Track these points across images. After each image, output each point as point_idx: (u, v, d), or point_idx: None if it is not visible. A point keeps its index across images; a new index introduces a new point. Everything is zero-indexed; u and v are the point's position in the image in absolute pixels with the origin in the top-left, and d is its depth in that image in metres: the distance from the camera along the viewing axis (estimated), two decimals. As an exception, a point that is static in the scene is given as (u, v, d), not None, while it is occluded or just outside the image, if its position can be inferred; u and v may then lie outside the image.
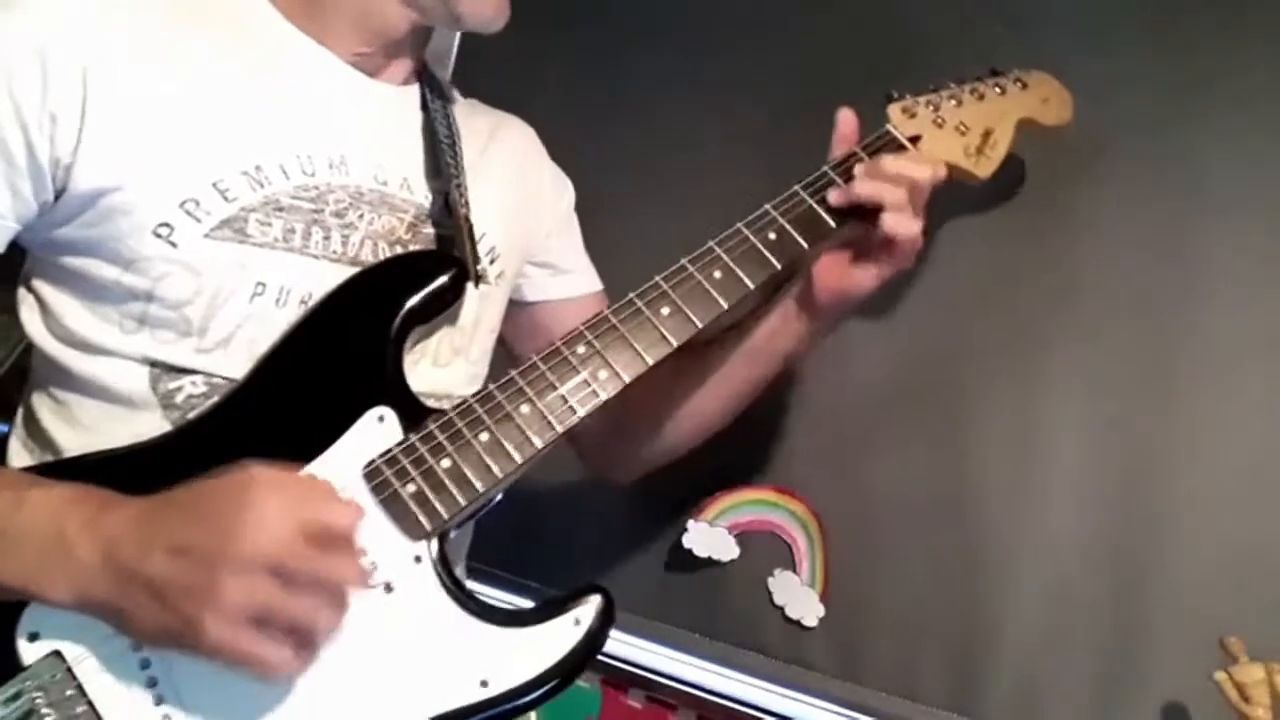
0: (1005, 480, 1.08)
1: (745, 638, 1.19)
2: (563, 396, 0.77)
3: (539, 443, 0.76)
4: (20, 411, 0.80)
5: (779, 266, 0.84)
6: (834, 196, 0.86)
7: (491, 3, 0.83)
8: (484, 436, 0.74)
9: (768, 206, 0.86)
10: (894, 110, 0.94)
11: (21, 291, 0.77)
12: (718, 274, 0.82)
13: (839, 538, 1.16)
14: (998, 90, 0.98)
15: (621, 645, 1.23)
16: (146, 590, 0.60)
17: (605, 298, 1.03)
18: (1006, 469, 1.08)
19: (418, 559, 0.72)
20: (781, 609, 1.17)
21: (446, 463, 0.73)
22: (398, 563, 0.71)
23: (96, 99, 0.69)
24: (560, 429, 0.76)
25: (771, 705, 1.16)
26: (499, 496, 0.77)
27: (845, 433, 1.16)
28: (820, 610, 1.15)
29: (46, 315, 0.75)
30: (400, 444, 0.73)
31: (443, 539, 0.73)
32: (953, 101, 0.96)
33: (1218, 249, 1.02)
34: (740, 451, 1.17)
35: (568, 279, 1.02)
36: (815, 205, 0.86)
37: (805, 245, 0.85)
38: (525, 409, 0.76)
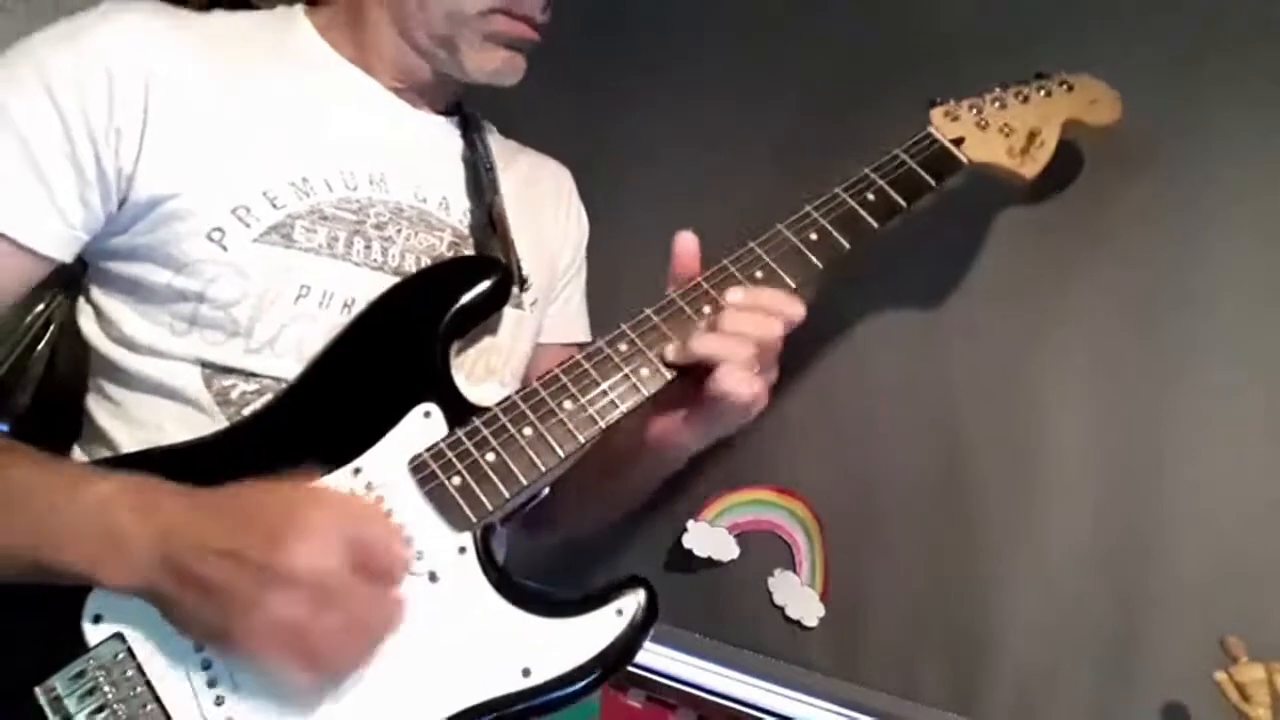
0: (1006, 480, 1.08)
1: (745, 638, 1.19)
2: (605, 391, 0.78)
3: (582, 438, 0.77)
4: (81, 422, 0.83)
5: (820, 266, 0.84)
6: (670, 353, 0.79)
7: (498, 59, 0.86)
8: (528, 431, 0.76)
9: (808, 208, 0.87)
10: (936, 114, 0.95)
11: (80, 301, 0.81)
12: (759, 274, 0.83)
13: (839, 538, 1.16)
14: (1043, 93, 0.98)
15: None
16: (196, 588, 0.63)
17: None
18: (1007, 469, 1.08)
19: (462, 550, 0.73)
20: (781, 609, 1.17)
21: (491, 456, 0.75)
22: (443, 553, 0.73)
23: (157, 113, 0.74)
24: (603, 424, 0.77)
25: (771, 705, 1.16)
26: (545, 491, 0.79)
27: (845, 433, 1.16)
28: (820, 610, 1.15)
29: (101, 320, 0.79)
30: (446, 438, 0.75)
31: (487, 531, 0.75)
32: (996, 104, 0.96)
33: (1221, 251, 1.02)
34: (740, 451, 1.17)
35: (559, 323, 1.04)
36: (856, 206, 0.87)
37: (848, 245, 0.86)
38: (569, 404, 0.77)
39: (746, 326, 0.77)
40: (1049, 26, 1.12)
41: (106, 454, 0.77)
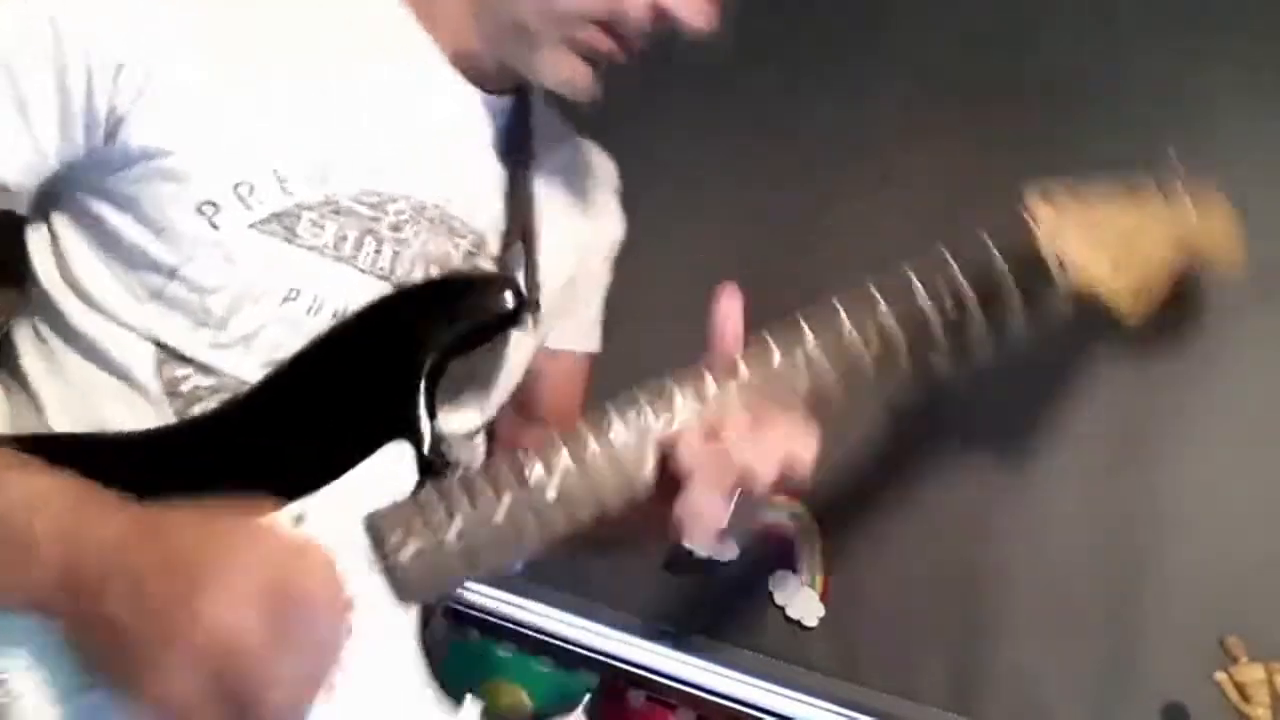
0: (1005, 480, 1.08)
1: (745, 638, 1.19)
2: (594, 483, 0.66)
3: (558, 529, 0.66)
4: None
5: (872, 377, 0.70)
6: (663, 448, 0.66)
7: (573, 68, 0.72)
8: (500, 515, 0.65)
9: (873, 292, 0.72)
10: (1034, 202, 0.76)
11: (35, 221, 0.71)
12: (802, 359, 0.69)
13: (839, 538, 1.16)
14: (1164, 199, 0.79)
15: (621, 645, 1.23)
16: (98, 621, 0.55)
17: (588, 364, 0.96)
18: (1007, 468, 1.08)
19: (400, 626, 0.64)
20: (782, 609, 1.17)
21: (454, 529, 0.64)
22: (377, 621, 0.63)
23: (170, 55, 0.64)
24: (588, 515, 0.66)
25: (771, 705, 1.16)
26: (519, 565, 0.71)
27: (845, 433, 1.16)
28: (820, 610, 1.15)
29: (57, 254, 0.69)
30: (413, 492, 0.65)
31: (431, 608, 0.67)
32: (1104, 203, 0.78)
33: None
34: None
35: (572, 330, 0.93)
36: (929, 312, 0.71)
37: (907, 359, 0.71)
38: (550, 494, 0.65)
39: (745, 459, 0.64)
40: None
41: (29, 407, 0.69)
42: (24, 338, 0.71)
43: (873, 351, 0.69)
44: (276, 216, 0.67)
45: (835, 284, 0.71)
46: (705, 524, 0.65)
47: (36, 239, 0.70)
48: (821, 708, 1.13)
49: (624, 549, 0.86)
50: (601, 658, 1.28)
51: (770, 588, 1.18)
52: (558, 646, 1.32)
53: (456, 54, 0.76)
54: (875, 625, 1.12)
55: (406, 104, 0.74)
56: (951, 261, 0.71)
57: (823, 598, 1.15)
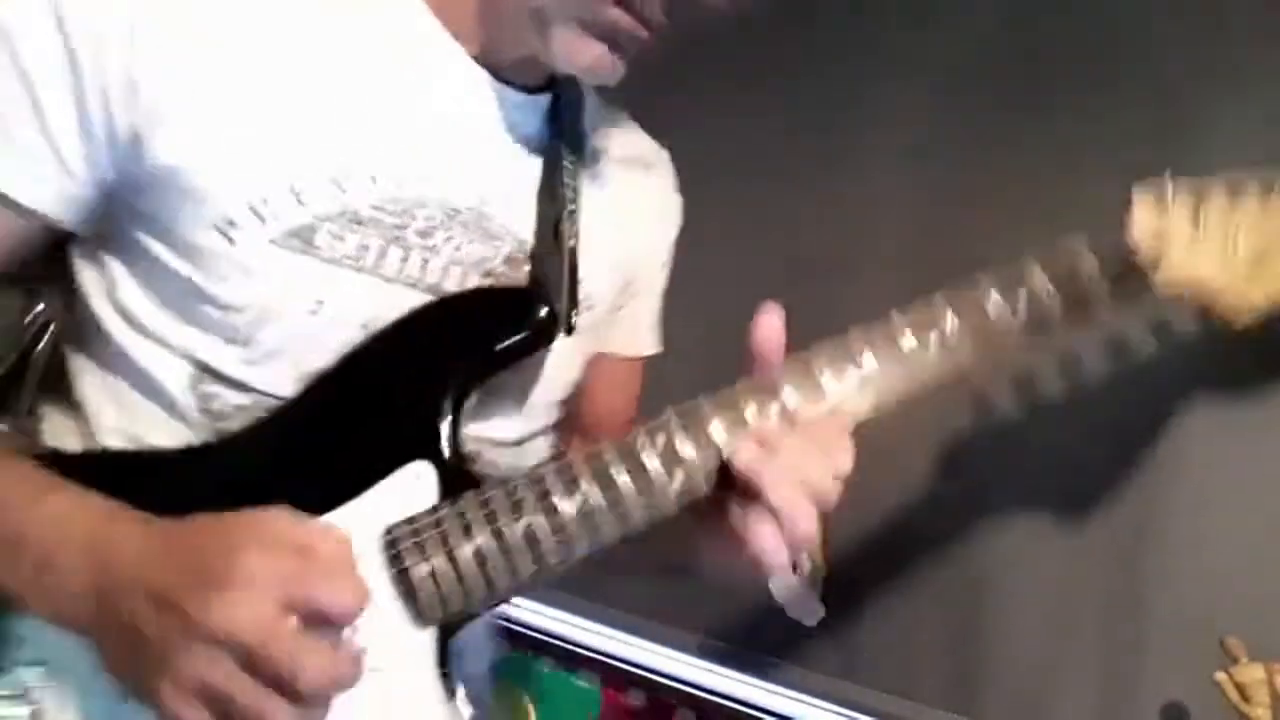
0: (1005, 479, 1.08)
1: (746, 638, 1.19)
2: (621, 497, 0.64)
3: (580, 549, 0.65)
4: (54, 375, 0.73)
5: (927, 388, 0.69)
6: (712, 461, 0.65)
7: (592, 52, 0.68)
8: (520, 527, 0.64)
9: (941, 300, 0.70)
10: (1142, 207, 0.71)
11: (84, 251, 0.72)
12: (851, 377, 0.68)
13: (839, 538, 1.16)
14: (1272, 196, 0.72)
15: (621, 645, 1.23)
16: (121, 631, 0.57)
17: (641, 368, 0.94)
18: (1007, 468, 1.08)
19: (415, 646, 0.64)
20: (782, 609, 1.17)
21: (469, 550, 0.63)
22: (391, 644, 0.63)
23: (181, 69, 0.63)
24: (608, 538, 0.65)
25: (771, 705, 1.16)
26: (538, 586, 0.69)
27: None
28: (820, 610, 1.15)
29: (106, 280, 0.70)
30: (431, 511, 0.65)
31: (450, 630, 0.66)
32: (1224, 202, 0.72)
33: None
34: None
35: (626, 333, 0.90)
36: (997, 309, 0.69)
37: (974, 363, 0.69)
38: (571, 505, 0.64)
39: (810, 472, 0.63)
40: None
41: (84, 429, 0.71)
42: (78, 364, 0.72)
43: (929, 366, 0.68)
44: (294, 231, 0.66)
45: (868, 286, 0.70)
46: (771, 561, 0.63)
47: (84, 267, 0.71)
48: (821, 708, 1.13)
49: (683, 574, 0.83)
50: (601, 658, 1.29)
51: (770, 588, 1.17)
52: (558, 646, 1.32)
53: (483, 52, 0.73)
54: (875, 625, 1.12)
55: (431, 107, 0.72)
56: (1034, 266, 0.69)
57: (823, 598, 1.15)
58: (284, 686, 0.54)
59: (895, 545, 1.12)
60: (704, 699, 1.20)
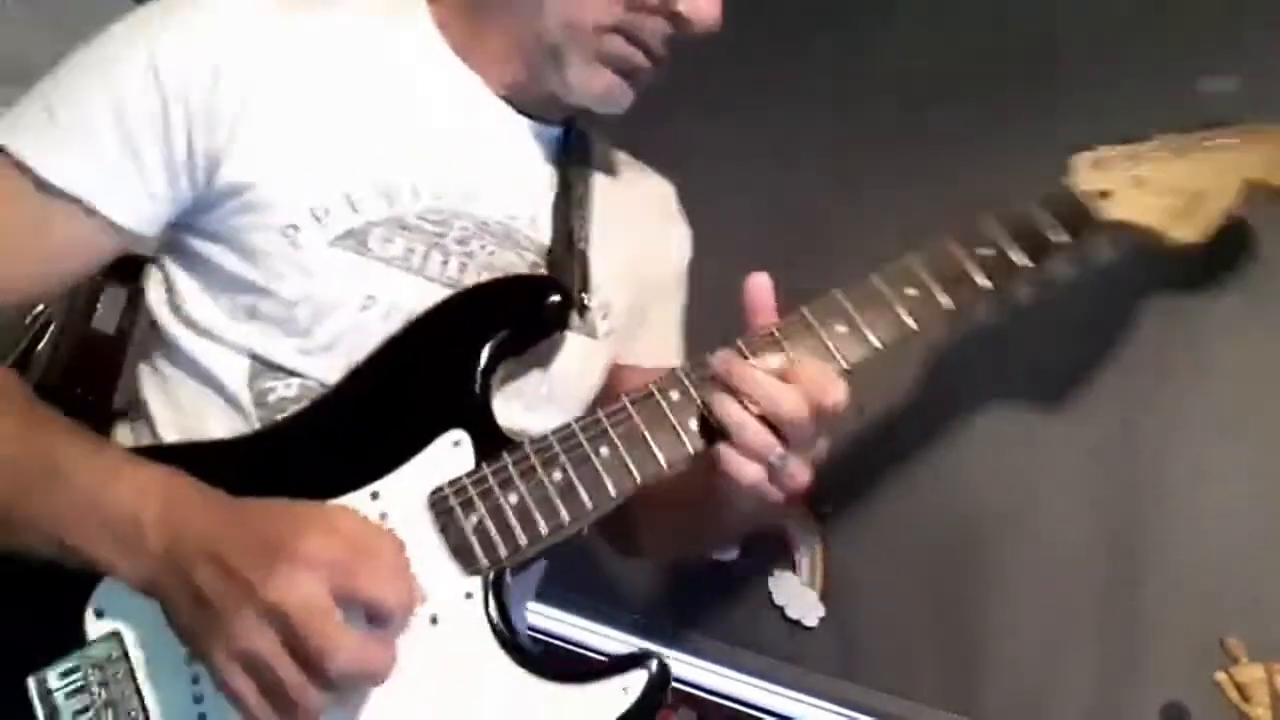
0: (1005, 480, 1.08)
1: (745, 638, 1.19)
2: (647, 442, 0.71)
3: (613, 491, 0.70)
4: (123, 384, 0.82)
5: (915, 329, 0.74)
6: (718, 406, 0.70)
7: (604, 81, 0.79)
8: (558, 476, 0.71)
9: (909, 260, 0.77)
10: (1081, 161, 0.81)
11: (151, 268, 0.81)
12: (841, 328, 0.73)
13: (839, 538, 1.16)
14: (1214, 145, 0.82)
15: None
16: (189, 593, 0.63)
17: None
18: (1007, 469, 1.08)
19: (469, 595, 0.69)
20: (781, 609, 1.17)
21: (514, 498, 0.70)
22: (447, 596, 0.69)
23: (255, 105, 0.73)
24: (639, 479, 0.71)
25: (771, 705, 1.16)
26: (585, 529, 0.76)
27: (846, 432, 1.16)
28: (820, 610, 1.15)
29: (170, 292, 0.79)
30: (471, 473, 0.71)
31: (500, 578, 0.71)
32: (1156, 156, 0.81)
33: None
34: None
35: (646, 345, 0.96)
36: (967, 261, 0.76)
37: (952, 305, 0.75)
38: (605, 451, 0.71)
39: (773, 401, 0.68)
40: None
41: (147, 431, 0.78)
42: (145, 377, 0.80)
43: (914, 310, 0.74)
44: (349, 234, 0.75)
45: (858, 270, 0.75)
46: (741, 477, 0.69)
47: (152, 284, 0.80)
48: (821, 708, 1.13)
49: (710, 532, 0.91)
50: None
51: (770, 588, 1.18)
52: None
53: (506, 88, 0.83)
54: (875, 625, 1.12)
55: (462, 137, 0.81)
56: (991, 221, 0.77)
57: (823, 598, 1.15)
58: (314, 667, 0.60)
59: (895, 545, 1.13)
60: (704, 699, 1.20)
